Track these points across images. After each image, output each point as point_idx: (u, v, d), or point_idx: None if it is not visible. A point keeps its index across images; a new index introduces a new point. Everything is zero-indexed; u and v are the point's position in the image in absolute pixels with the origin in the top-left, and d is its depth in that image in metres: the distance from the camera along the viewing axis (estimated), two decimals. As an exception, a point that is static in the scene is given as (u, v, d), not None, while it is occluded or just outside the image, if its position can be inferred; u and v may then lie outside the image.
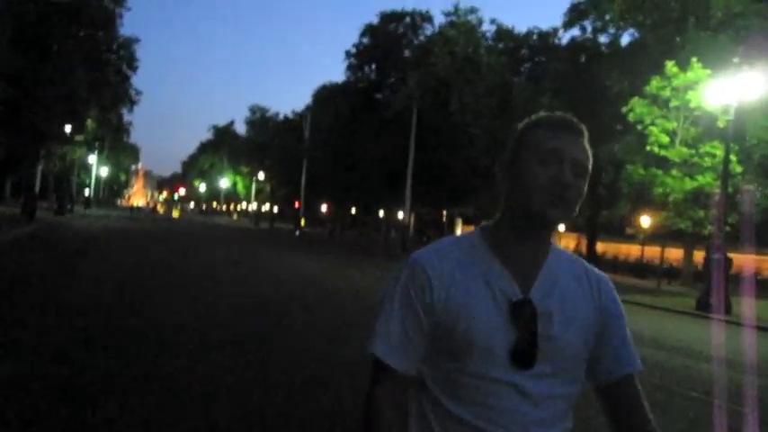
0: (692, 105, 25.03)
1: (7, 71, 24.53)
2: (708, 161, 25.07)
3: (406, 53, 51.64)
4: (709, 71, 23.89)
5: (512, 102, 33.35)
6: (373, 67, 54.67)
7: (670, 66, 25.11)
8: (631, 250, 53.63)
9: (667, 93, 25.34)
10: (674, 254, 44.31)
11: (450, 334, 1.55)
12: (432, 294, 1.56)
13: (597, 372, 1.67)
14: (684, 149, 25.44)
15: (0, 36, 23.20)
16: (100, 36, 37.81)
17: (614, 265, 46.27)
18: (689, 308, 21.46)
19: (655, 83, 25.53)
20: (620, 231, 58.73)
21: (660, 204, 27.46)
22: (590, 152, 1.58)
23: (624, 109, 26.42)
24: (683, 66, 25.03)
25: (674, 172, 25.63)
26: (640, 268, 41.45)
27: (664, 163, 26.30)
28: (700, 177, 25.00)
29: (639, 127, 26.26)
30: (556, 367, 1.56)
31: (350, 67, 55.58)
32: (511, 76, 35.10)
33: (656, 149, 25.42)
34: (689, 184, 25.10)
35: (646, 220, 37.32)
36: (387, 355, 1.59)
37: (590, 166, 1.57)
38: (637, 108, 25.84)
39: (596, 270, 1.71)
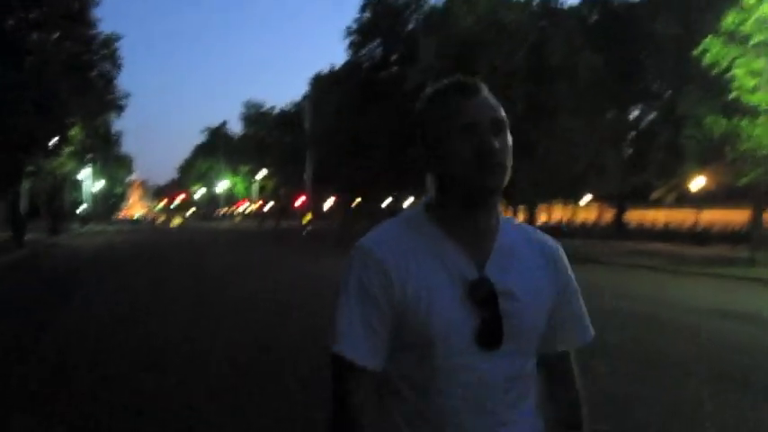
0: (779, 39, 21.25)
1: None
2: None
3: (411, 26, 47.96)
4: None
5: (550, 60, 29.68)
6: (377, 42, 50.86)
7: (749, -5, 21.18)
8: (658, 216, 50.53)
9: (748, 27, 21.45)
10: (709, 216, 41.25)
11: (411, 323, 1.47)
12: (390, 283, 1.47)
13: (550, 343, 1.62)
14: (774, 93, 21.56)
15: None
16: (78, 32, 33.81)
17: (658, 235, 42.50)
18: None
19: (731, 17, 21.64)
20: (643, 197, 55.56)
21: (735, 162, 23.68)
22: (495, 99, 1.51)
23: (696, 52, 22.57)
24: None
25: (761, 120, 21.79)
26: (698, 236, 37.47)
27: (741, 112, 22.52)
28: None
29: (715, 71, 22.40)
30: (520, 345, 1.52)
31: (352, 45, 51.65)
32: (542, 34, 31.28)
33: (746, 96, 21.50)
34: (785, 135, 21.20)
35: (699, 182, 33.76)
36: (354, 352, 1.46)
37: (503, 114, 1.49)
38: (712, 48, 21.96)
39: (549, 238, 1.66)
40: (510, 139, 1.49)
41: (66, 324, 10.87)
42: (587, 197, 55.74)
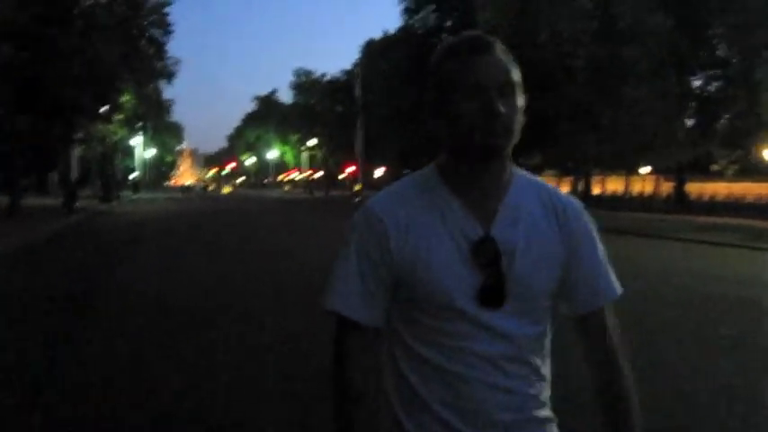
0: None
1: (13, 30, 20.04)
2: None
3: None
4: None
5: (616, 24, 28.09)
6: (432, 8, 49.48)
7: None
8: (718, 188, 48.68)
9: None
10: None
11: (412, 282, 1.50)
12: (388, 244, 1.51)
13: (571, 304, 1.60)
14: None
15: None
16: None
17: (723, 207, 40.57)
18: None
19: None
20: (703, 169, 53.46)
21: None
22: (510, 61, 1.47)
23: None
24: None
25: None
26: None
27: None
28: None
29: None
30: (523, 305, 1.51)
31: (406, 11, 50.36)
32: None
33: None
34: None
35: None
36: (348, 309, 1.53)
37: (515, 77, 1.46)
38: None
39: (564, 194, 1.62)
40: (520, 101, 1.46)
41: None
42: (646, 168, 53.91)
